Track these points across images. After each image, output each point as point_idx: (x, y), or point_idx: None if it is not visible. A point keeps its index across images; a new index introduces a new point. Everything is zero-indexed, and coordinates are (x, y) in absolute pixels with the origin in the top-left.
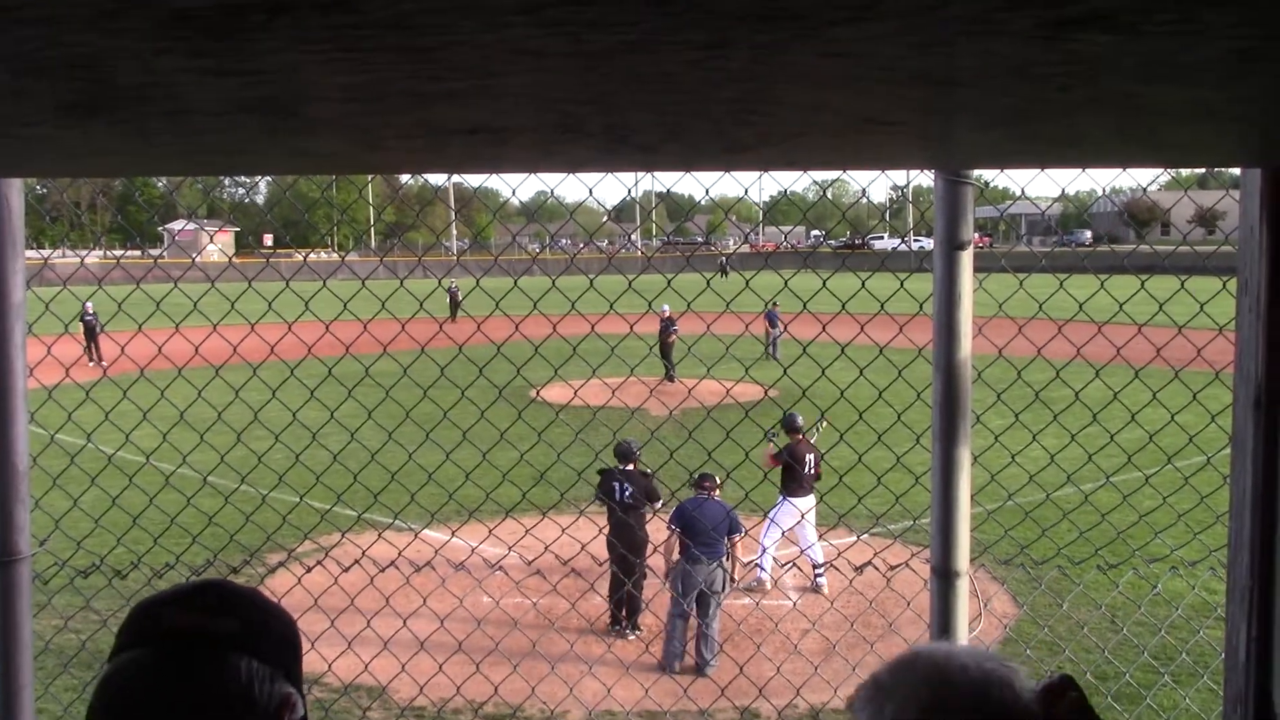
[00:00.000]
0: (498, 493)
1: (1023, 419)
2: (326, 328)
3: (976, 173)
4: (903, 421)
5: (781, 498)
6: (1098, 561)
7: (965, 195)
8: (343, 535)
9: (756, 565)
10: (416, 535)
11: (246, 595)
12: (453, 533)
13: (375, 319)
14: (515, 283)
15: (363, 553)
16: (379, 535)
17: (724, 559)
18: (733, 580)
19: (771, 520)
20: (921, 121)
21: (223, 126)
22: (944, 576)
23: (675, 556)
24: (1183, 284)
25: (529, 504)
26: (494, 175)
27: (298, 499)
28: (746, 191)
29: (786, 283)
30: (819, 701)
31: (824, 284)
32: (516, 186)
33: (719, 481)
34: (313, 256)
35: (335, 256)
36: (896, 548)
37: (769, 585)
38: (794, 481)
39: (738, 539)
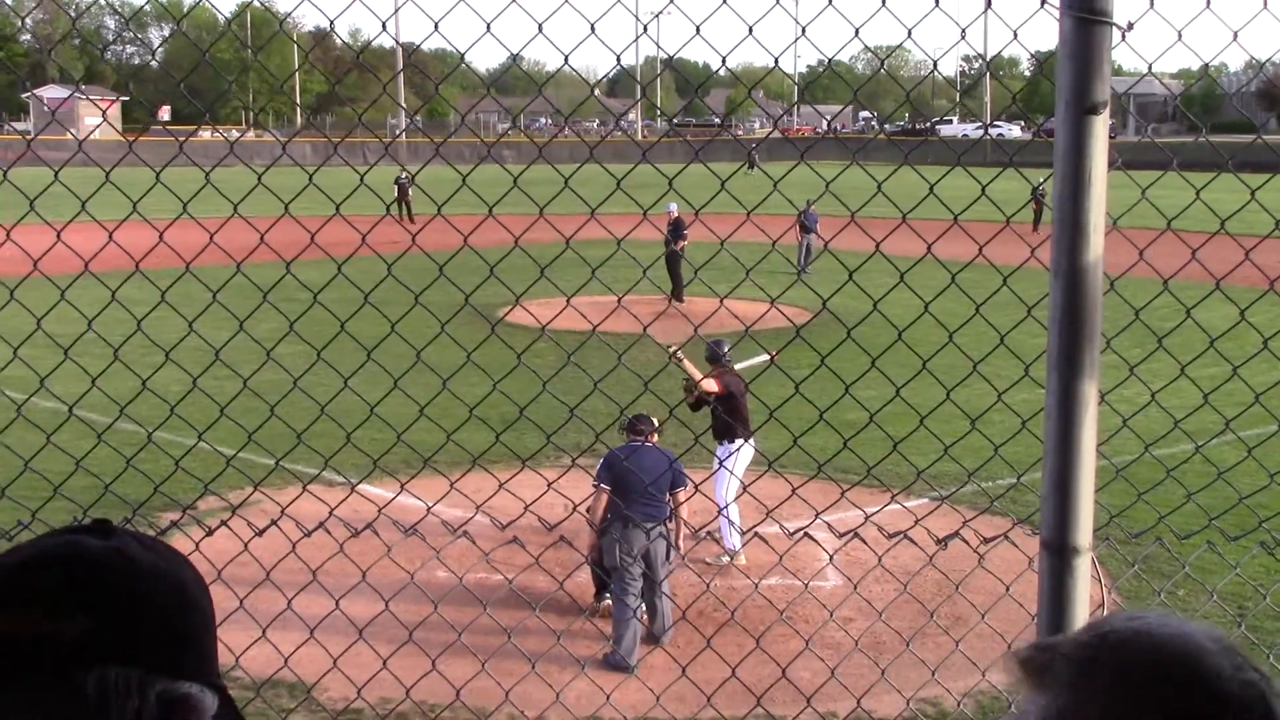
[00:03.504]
0: (461, 436)
1: (1135, 352)
2: (237, 209)
3: (1118, 12)
4: (1007, 347)
5: (724, 445)
6: (1261, 537)
7: (1101, 40)
8: (255, 487)
9: (721, 535)
10: (354, 489)
11: (106, 568)
12: (401, 486)
13: (296, 216)
14: (518, 171)
15: (281, 510)
16: (304, 488)
17: (667, 520)
18: (677, 548)
19: (723, 474)
20: None
21: None
22: (1058, 553)
23: (601, 518)
24: None
25: (504, 450)
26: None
27: (196, 438)
28: (777, 62)
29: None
30: (875, 709)
31: (930, 189)
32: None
33: (658, 425)
34: (217, 135)
35: (251, 136)
36: (985, 516)
37: (742, 557)
38: (734, 423)
39: (683, 494)
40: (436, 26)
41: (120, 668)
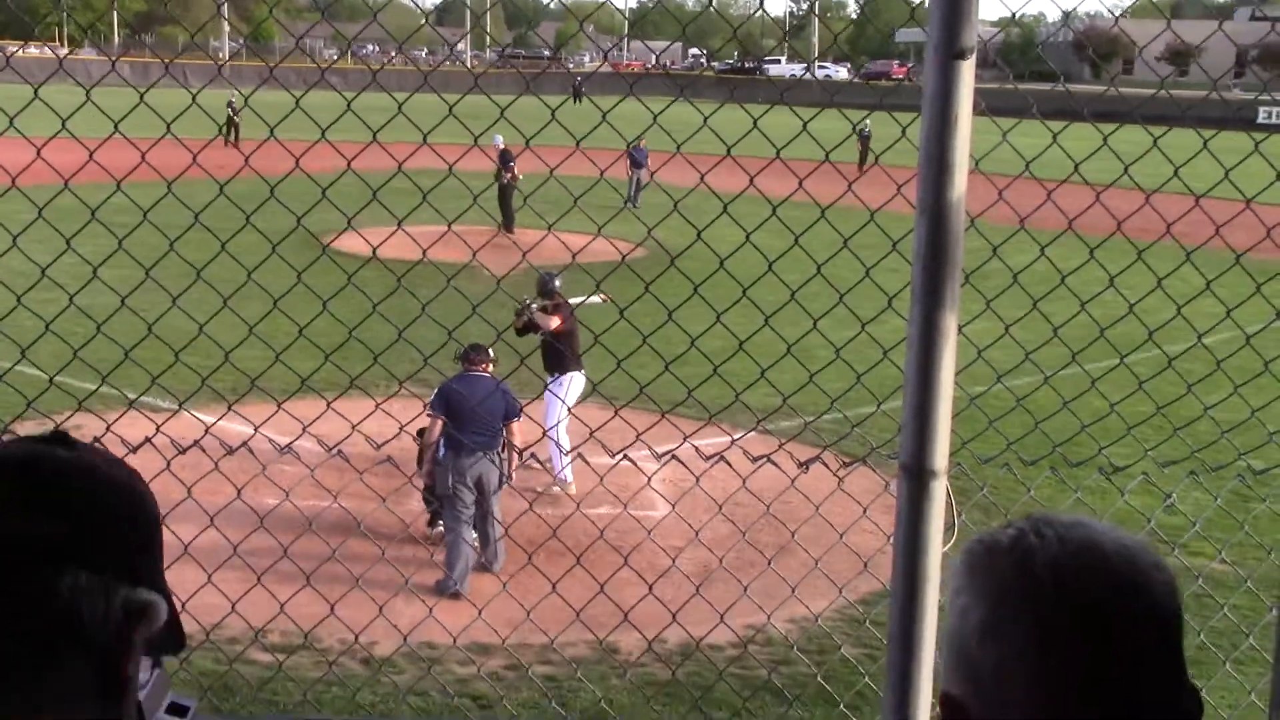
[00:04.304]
0: (292, 360)
1: (1003, 286)
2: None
3: None
4: (872, 280)
5: (554, 377)
6: (1100, 463)
7: None
8: (79, 405)
9: (552, 464)
10: (180, 407)
11: (73, 476)
12: (229, 406)
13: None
14: (356, 105)
15: (107, 428)
16: (129, 405)
17: (499, 450)
18: (509, 476)
19: (554, 405)
20: None
21: None
22: (916, 476)
23: (433, 446)
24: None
25: (336, 375)
26: None
27: (18, 357)
28: None
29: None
30: (697, 635)
31: (754, 124)
32: None
33: (493, 356)
34: (30, 52)
35: (63, 53)
36: (798, 444)
37: (572, 486)
38: (565, 355)
39: (515, 424)
40: None
41: (89, 573)
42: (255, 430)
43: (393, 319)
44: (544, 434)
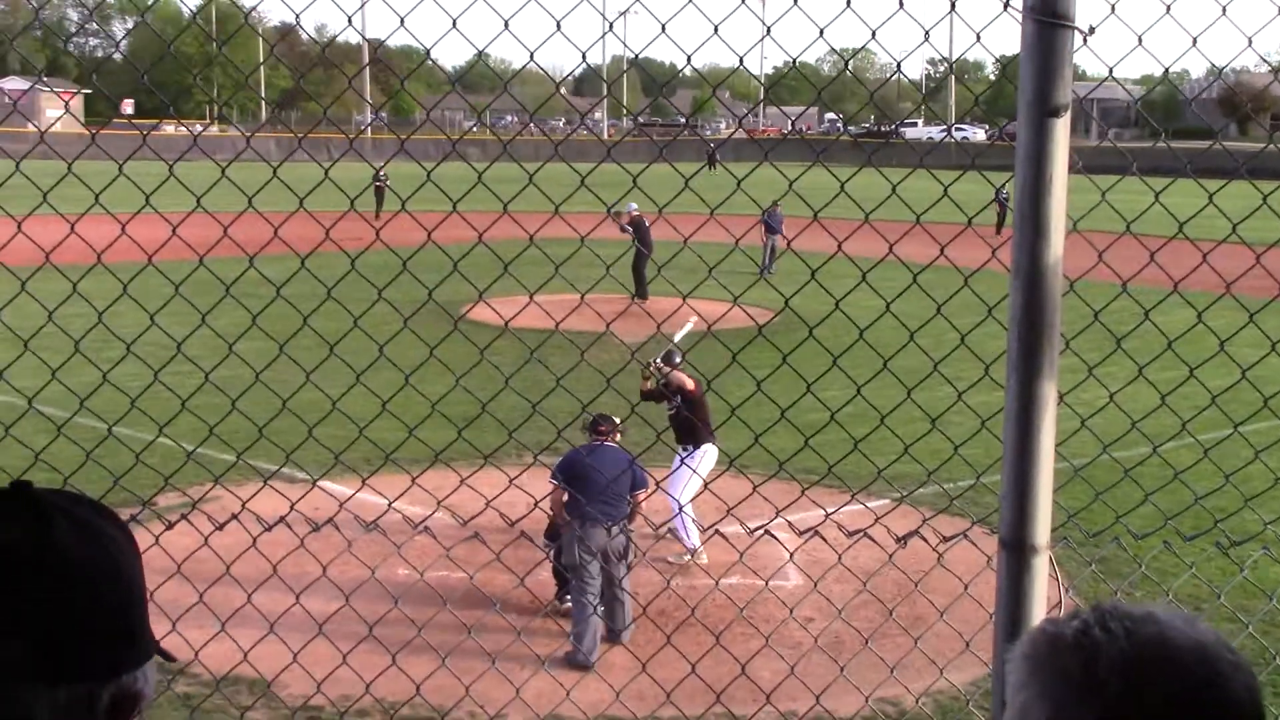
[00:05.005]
0: (423, 432)
1: (1094, 354)
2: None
3: (1080, 16)
4: (968, 347)
5: (687, 448)
6: (1216, 537)
7: (1063, 43)
8: (216, 482)
9: (679, 533)
10: (315, 484)
11: (37, 574)
12: (363, 482)
13: (261, 211)
14: (498, 174)
15: (243, 505)
16: (265, 483)
17: (626, 520)
18: (636, 547)
19: (681, 474)
20: None
21: None
22: (1016, 551)
23: (559, 516)
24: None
25: (465, 447)
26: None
27: (156, 433)
28: (742, 60)
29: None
30: (835, 708)
31: (894, 189)
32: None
33: (620, 424)
34: (183, 129)
35: (215, 131)
36: (944, 516)
37: (703, 556)
38: (698, 425)
39: (642, 495)
40: (403, 22)
41: (69, 685)
42: (390, 506)
43: (525, 389)
44: (677, 510)
